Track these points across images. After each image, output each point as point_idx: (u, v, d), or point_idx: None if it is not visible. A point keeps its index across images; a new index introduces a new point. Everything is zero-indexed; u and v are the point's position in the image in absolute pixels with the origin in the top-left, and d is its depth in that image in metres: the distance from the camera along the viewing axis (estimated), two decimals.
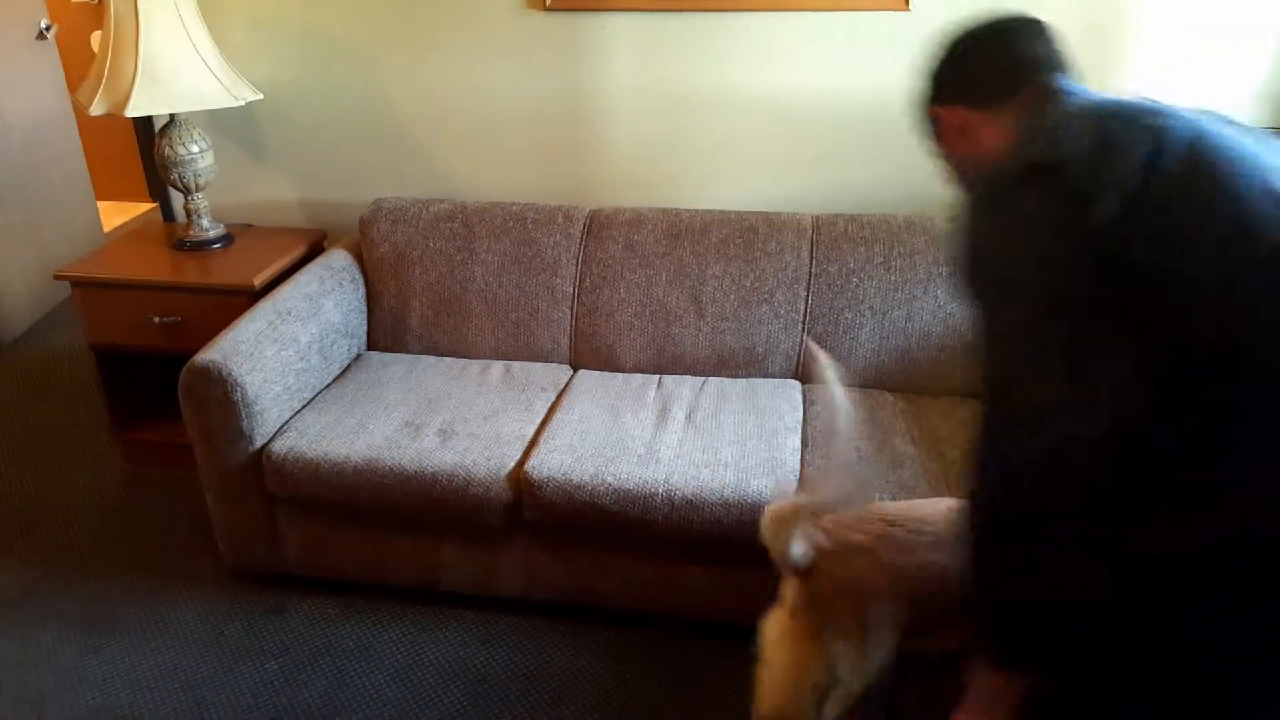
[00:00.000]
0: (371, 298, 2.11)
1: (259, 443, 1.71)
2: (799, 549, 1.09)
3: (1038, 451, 0.76)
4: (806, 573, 1.09)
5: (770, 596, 1.58)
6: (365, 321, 2.11)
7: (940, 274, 1.88)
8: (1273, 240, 0.74)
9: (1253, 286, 0.74)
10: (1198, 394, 0.75)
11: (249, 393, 1.66)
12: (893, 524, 1.13)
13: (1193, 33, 1.90)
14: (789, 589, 1.12)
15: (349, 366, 2.01)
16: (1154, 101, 0.87)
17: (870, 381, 1.92)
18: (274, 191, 2.36)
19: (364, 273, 2.11)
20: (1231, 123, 0.86)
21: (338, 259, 2.09)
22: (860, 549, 1.10)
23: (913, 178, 2.06)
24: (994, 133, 0.96)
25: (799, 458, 1.64)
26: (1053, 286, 0.79)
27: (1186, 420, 0.75)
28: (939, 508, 1.17)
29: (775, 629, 1.12)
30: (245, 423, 1.68)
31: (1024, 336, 0.81)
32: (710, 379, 1.93)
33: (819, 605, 1.07)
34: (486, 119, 2.18)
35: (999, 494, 0.81)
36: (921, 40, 1.94)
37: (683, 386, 1.89)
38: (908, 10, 1.93)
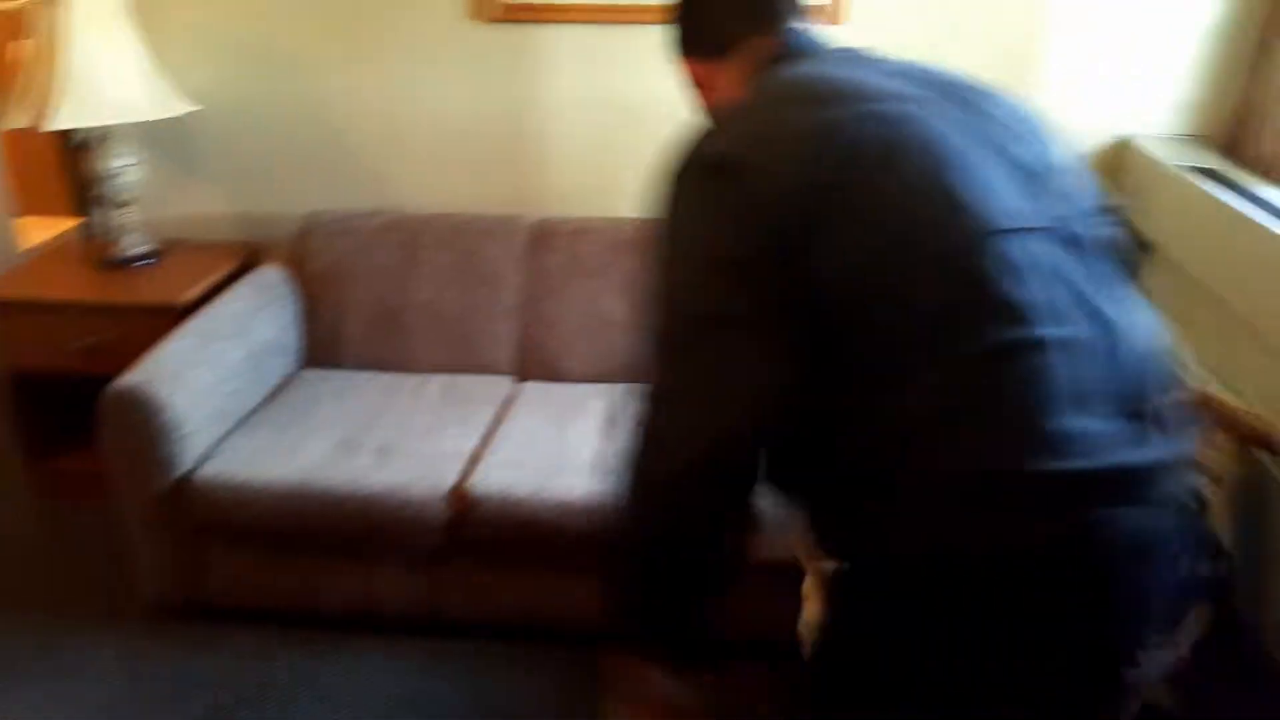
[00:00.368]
0: (307, 313, 2.03)
1: (185, 468, 1.62)
2: None
3: (685, 468, 0.76)
4: None
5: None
6: (300, 338, 2.03)
7: None
8: (932, 248, 0.70)
9: (912, 290, 0.70)
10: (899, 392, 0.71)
11: (174, 416, 1.58)
12: None
13: (1109, 42, 1.92)
14: None
15: (283, 385, 1.92)
16: (867, 75, 0.82)
17: None
18: (208, 205, 2.26)
19: (300, 287, 2.04)
20: (964, 96, 0.80)
21: (270, 274, 2.02)
22: None
23: None
24: (728, 88, 0.90)
25: None
26: (712, 297, 0.74)
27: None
28: None
29: None
30: (170, 448, 1.59)
31: (679, 346, 0.78)
32: None
33: None
34: (430, 130, 2.13)
35: (642, 509, 0.81)
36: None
37: (631, 395, 1.86)
38: (841, 24, 1.94)
